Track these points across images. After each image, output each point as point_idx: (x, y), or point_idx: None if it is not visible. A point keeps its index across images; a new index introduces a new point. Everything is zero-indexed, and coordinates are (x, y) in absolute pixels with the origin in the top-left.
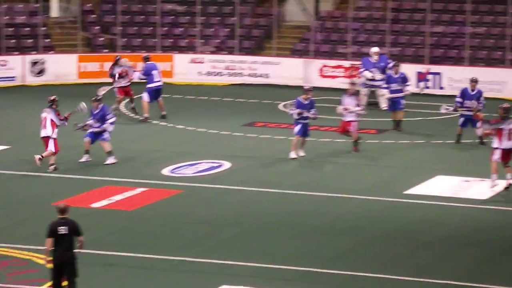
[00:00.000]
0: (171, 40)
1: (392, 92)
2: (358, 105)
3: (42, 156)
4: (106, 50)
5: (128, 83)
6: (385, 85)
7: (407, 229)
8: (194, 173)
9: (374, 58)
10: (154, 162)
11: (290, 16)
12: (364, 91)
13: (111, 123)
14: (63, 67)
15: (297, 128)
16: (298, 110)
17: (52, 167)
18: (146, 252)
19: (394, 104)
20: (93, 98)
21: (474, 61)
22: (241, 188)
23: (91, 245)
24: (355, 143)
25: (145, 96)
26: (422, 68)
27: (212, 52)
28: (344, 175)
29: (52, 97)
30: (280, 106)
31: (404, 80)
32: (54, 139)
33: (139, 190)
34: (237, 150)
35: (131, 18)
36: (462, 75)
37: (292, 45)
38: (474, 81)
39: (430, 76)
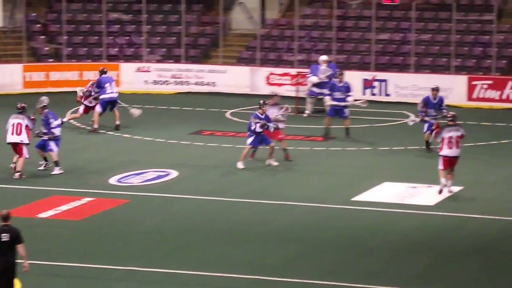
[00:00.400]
0: (117, 49)
1: (334, 100)
2: (281, 115)
3: (15, 167)
4: (51, 60)
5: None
6: (328, 93)
7: (354, 236)
8: (141, 182)
9: (323, 66)
10: (101, 172)
11: (236, 24)
12: (309, 99)
13: (56, 127)
14: (8, 77)
15: (250, 139)
16: (262, 122)
17: (18, 174)
18: (93, 262)
19: (337, 112)
20: (38, 106)
21: (419, 68)
22: (189, 197)
23: (38, 255)
24: (284, 150)
25: (98, 107)
26: (368, 75)
27: (158, 61)
28: (292, 182)
29: (23, 104)
30: (227, 114)
31: (347, 89)
32: (27, 144)
33: (86, 199)
34: (184, 158)
35: (77, 28)
36: (408, 82)
37: (238, 53)
38: (435, 90)
39: (376, 83)
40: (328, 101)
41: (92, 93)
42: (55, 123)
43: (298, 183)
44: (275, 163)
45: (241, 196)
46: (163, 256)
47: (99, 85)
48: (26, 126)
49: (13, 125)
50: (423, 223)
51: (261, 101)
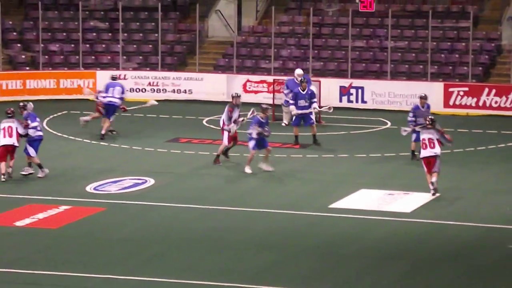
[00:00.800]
0: (93, 57)
1: (299, 108)
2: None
3: (10, 170)
4: (28, 68)
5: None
6: (292, 102)
7: (331, 243)
8: (118, 190)
9: (298, 80)
10: (77, 180)
11: (213, 31)
12: (285, 109)
13: (32, 128)
14: None
15: (251, 143)
16: (259, 129)
17: (3, 177)
18: (70, 271)
19: (304, 120)
20: (21, 105)
21: (396, 75)
22: (165, 205)
23: (15, 264)
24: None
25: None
26: (344, 82)
27: (135, 69)
28: (268, 189)
29: (12, 109)
30: (204, 122)
31: (311, 96)
32: (17, 147)
33: (62, 208)
34: (161, 166)
35: (53, 35)
36: (384, 89)
37: (215, 61)
38: (423, 98)
39: (353, 90)
40: (294, 111)
41: (99, 98)
42: (31, 124)
43: (275, 190)
44: (270, 168)
45: (218, 203)
46: (140, 264)
47: (106, 90)
48: (16, 129)
49: (4, 128)
50: (399, 230)
51: (265, 105)
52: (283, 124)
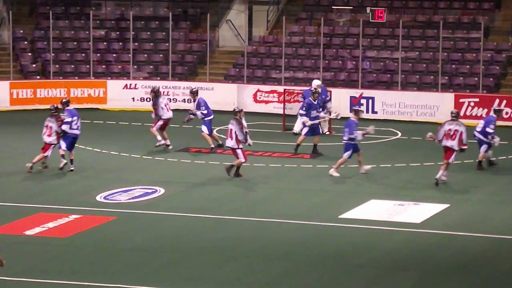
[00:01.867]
0: (104, 66)
1: (312, 119)
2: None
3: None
4: (39, 77)
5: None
6: (303, 112)
7: (341, 254)
8: (128, 199)
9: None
10: (88, 189)
11: (223, 41)
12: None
13: (64, 123)
14: None
15: (347, 153)
16: (366, 130)
17: (29, 165)
18: (80, 280)
19: (314, 130)
20: (63, 101)
21: (406, 86)
22: (175, 214)
23: (25, 273)
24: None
25: (204, 129)
26: (355, 92)
27: (145, 78)
28: (279, 199)
29: (56, 105)
30: (214, 132)
31: (321, 106)
32: (54, 145)
33: (73, 217)
34: (172, 176)
35: (63, 45)
36: (394, 99)
37: (225, 70)
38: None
39: (363, 101)
40: (308, 122)
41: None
42: (66, 119)
43: (285, 200)
44: (369, 167)
45: (228, 213)
46: (150, 274)
47: (199, 106)
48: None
49: (46, 126)
50: (409, 241)
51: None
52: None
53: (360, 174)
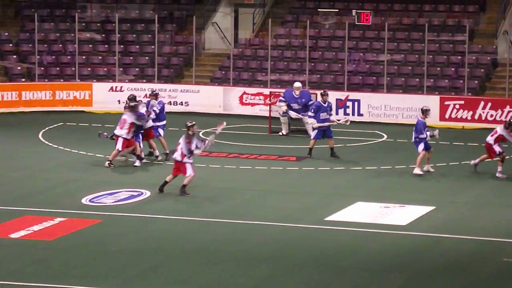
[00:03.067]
0: (89, 69)
1: (320, 121)
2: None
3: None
4: (24, 79)
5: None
6: (312, 115)
7: (327, 256)
8: (114, 202)
9: (296, 93)
10: (73, 191)
11: (209, 44)
12: (283, 119)
13: (140, 114)
14: None
15: (421, 146)
16: (433, 132)
17: (108, 162)
18: (66, 283)
19: (324, 132)
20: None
21: (392, 88)
22: (161, 217)
23: (9, 276)
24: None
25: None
26: (341, 95)
27: (131, 81)
28: (264, 202)
29: (133, 95)
30: (200, 134)
31: (331, 109)
32: (125, 139)
33: (58, 219)
34: (157, 178)
35: (49, 47)
36: (380, 102)
37: (211, 73)
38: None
39: (349, 103)
40: (315, 124)
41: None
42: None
43: (271, 202)
44: (431, 169)
45: (212, 216)
46: (135, 276)
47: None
48: (131, 123)
49: (121, 120)
50: (395, 243)
51: (426, 107)
52: (280, 133)
53: (345, 175)
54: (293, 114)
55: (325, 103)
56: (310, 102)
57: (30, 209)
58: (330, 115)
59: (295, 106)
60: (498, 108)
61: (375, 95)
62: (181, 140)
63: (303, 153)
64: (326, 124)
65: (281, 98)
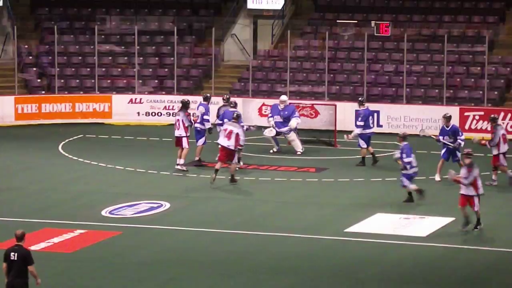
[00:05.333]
0: (109, 81)
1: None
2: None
3: (179, 164)
4: (44, 92)
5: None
6: (360, 123)
7: (347, 267)
8: (133, 214)
9: (280, 106)
10: (93, 203)
11: (228, 55)
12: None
13: (189, 124)
14: (0, 109)
15: (443, 152)
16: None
17: (180, 165)
18: None
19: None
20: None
21: (411, 99)
22: (181, 229)
23: None
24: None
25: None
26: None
27: (151, 93)
28: (284, 213)
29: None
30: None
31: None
32: (187, 137)
33: (78, 231)
34: (177, 190)
35: (68, 59)
36: (399, 113)
37: (230, 85)
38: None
39: None
40: (355, 132)
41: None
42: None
43: (291, 214)
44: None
45: (233, 227)
46: None
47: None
48: (183, 121)
49: (177, 120)
50: (415, 254)
51: (448, 114)
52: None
53: (364, 186)
54: (271, 133)
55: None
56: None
57: (50, 221)
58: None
59: (278, 118)
60: None
61: (395, 106)
62: (232, 126)
63: (322, 164)
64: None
65: (269, 115)
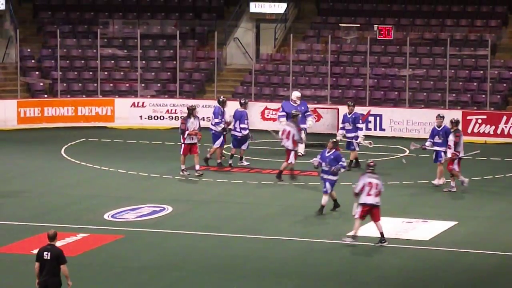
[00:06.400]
0: (111, 85)
1: (347, 131)
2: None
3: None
4: (46, 96)
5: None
6: (341, 125)
7: (350, 271)
8: (136, 217)
9: (297, 102)
10: (95, 207)
11: (231, 59)
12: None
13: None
14: (2, 112)
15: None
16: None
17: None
18: None
19: (348, 144)
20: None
21: (414, 103)
22: (183, 232)
23: None
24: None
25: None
26: (362, 110)
27: (153, 96)
28: (286, 217)
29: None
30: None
31: (355, 120)
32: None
33: (80, 235)
34: (179, 194)
35: (71, 63)
36: (402, 117)
37: (233, 88)
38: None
39: (371, 118)
40: (339, 136)
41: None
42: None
43: (293, 218)
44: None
45: (235, 231)
46: None
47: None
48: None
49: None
50: (418, 258)
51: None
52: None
53: None
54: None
55: (350, 114)
56: (308, 113)
57: (52, 225)
58: (357, 127)
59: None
60: None
61: (397, 110)
62: (291, 128)
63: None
64: (351, 134)
65: (279, 113)
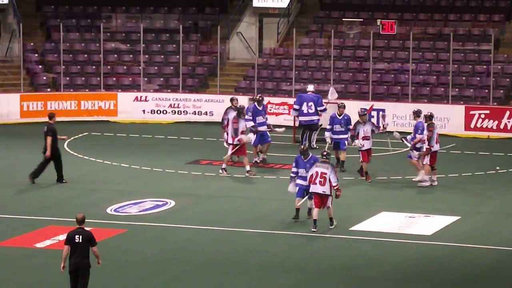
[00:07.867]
0: (114, 79)
1: (334, 133)
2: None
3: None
4: (49, 89)
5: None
6: (329, 126)
7: (352, 266)
8: (138, 211)
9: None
10: (98, 201)
11: (234, 53)
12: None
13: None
14: (5, 106)
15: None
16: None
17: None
18: None
19: (337, 144)
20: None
21: (417, 98)
22: (186, 227)
23: (35, 286)
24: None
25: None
26: (365, 105)
27: (156, 90)
28: (288, 212)
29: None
30: (225, 144)
31: (347, 122)
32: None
33: None
34: (182, 188)
35: (74, 57)
36: (405, 111)
37: (236, 83)
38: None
39: (373, 113)
40: (328, 138)
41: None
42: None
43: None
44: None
45: (238, 225)
46: (159, 286)
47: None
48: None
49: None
50: (420, 253)
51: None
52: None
53: (369, 185)
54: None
55: (340, 116)
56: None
57: (55, 219)
58: (348, 129)
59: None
60: None
61: (400, 105)
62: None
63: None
64: (341, 136)
65: (294, 107)
